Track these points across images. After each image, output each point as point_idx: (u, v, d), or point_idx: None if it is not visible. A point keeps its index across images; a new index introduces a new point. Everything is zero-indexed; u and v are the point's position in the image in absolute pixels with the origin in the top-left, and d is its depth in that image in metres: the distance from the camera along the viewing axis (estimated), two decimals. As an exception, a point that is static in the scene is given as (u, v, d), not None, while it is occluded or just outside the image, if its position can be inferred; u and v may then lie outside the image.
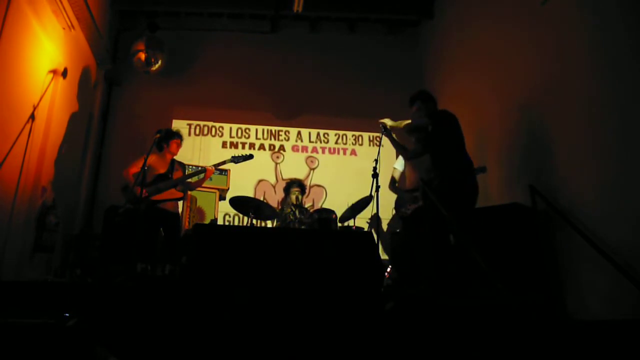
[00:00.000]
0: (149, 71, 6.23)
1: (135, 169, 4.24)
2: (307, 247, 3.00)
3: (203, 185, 4.80)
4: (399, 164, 4.58)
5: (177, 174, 4.45)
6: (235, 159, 4.58)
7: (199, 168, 4.84)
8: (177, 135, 4.56)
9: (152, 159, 4.26)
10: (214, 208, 5.68)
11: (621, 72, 3.11)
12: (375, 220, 4.90)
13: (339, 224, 4.74)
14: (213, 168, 4.49)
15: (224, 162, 4.50)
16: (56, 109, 4.70)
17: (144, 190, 4.01)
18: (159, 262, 4.17)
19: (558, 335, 2.18)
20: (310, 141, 6.75)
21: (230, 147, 6.54)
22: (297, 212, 4.81)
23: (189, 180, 4.53)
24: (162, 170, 4.40)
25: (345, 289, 2.69)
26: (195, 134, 6.56)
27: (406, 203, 4.28)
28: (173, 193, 4.35)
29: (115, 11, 6.34)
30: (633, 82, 2.99)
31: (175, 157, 4.58)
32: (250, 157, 4.67)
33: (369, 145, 6.74)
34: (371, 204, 4.21)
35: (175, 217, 4.46)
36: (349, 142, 6.79)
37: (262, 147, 6.64)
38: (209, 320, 2.31)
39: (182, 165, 4.63)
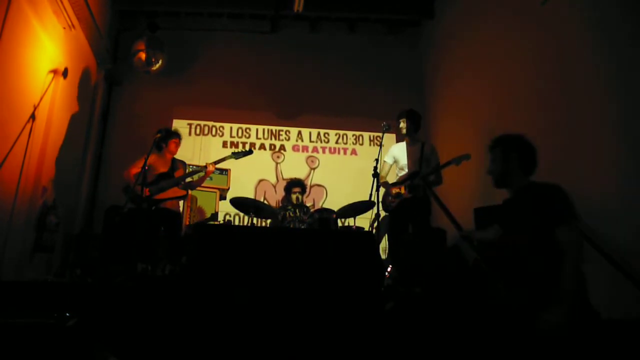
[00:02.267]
0: (149, 71, 6.23)
1: (136, 169, 4.25)
2: (307, 247, 3.00)
3: (204, 185, 4.80)
4: (389, 157, 4.56)
5: (178, 173, 4.46)
6: (236, 155, 4.56)
7: (200, 167, 4.85)
8: (175, 135, 4.56)
9: (153, 158, 4.27)
10: (215, 208, 5.68)
11: (622, 72, 3.11)
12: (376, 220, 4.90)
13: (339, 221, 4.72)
14: (214, 166, 4.49)
15: (224, 159, 4.49)
16: (56, 109, 4.70)
17: (146, 190, 4.01)
18: (159, 262, 4.17)
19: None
20: (310, 141, 6.75)
21: (231, 147, 6.54)
22: (297, 212, 4.80)
23: (190, 178, 4.53)
24: (164, 170, 4.41)
25: (345, 289, 2.69)
26: (195, 133, 6.56)
27: (389, 195, 4.23)
28: (176, 191, 4.35)
29: (115, 11, 6.34)
30: (634, 82, 2.99)
31: (175, 156, 4.58)
32: (250, 152, 4.68)
33: (370, 145, 6.74)
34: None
35: (177, 216, 4.46)
36: (350, 141, 6.78)
37: (262, 146, 6.64)
38: (209, 320, 2.31)
39: (184, 164, 4.64)
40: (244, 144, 6.59)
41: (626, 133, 3.05)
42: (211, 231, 3.62)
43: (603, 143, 3.26)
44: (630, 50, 3.03)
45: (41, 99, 4.30)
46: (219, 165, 4.54)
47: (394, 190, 4.24)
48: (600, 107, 3.30)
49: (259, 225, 5.72)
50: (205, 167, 4.46)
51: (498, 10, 4.81)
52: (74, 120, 5.19)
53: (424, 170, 4.18)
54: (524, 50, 4.30)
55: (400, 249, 4.22)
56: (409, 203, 4.15)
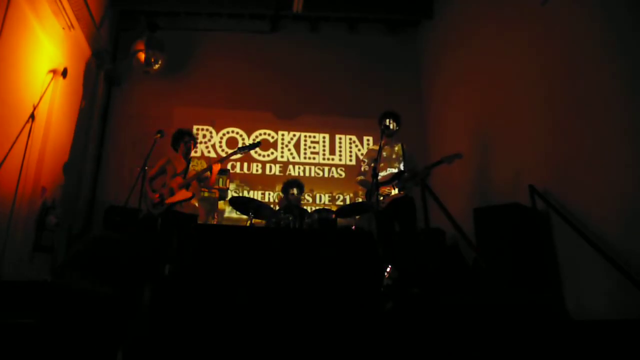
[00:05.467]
0: (149, 71, 6.23)
1: (152, 173, 4.36)
2: (307, 247, 3.01)
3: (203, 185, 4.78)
4: (368, 157, 4.39)
5: (190, 174, 4.39)
6: (241, 150, 4.47)
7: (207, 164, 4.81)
8: (186, 137, 4.51)
9: (174, 158, 4.40)
10: (213, 208, 5.68)
11: (623, 72, 3.11)
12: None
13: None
14: (218, 165, 4.45)
15: (231, 154, 4.44)
16: (56, 109, 4.70)
17: (155, 195, 4.16)
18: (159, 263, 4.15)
19: (558, 335, 2.18)
20: (310, 141, 6.75)
21: (230, 147, 6.54)
22: (296, 212, 4.79)
23: (206, 174, 4.47)
24: (179, 171, 4.40)
25: (345, 289, 2.69)
26: (195, 133, 6.55)
27: (375, 195, 4.07)
28: (184, 194, 4.30)
29: (115, 11, 6.33)
30: (636, 81, 2.98)
31: (192, 156, 4.55)
32: (258, 144, 4.56)
33: (369, 145, 6.74)
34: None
35: (191, 218, 4.36)
36: (349, 142, 6.78)
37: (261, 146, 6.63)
38: (208, 320, 2.31)
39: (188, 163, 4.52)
40: (243, 143, 6.60)
41: (626, 132, 3.04)
42: (211, 231, 3.61)
43: (603, 142, 3.26)
44: (635, 49, 3.02)
45: (40, 99, 4.30)
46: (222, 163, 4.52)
47: (386, 190, 4.16)
48: (601, 106, 3.30)
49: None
50: (211, 166, 4.42)
51: (497, 10, 4.82)
52: (73, 120, 5.19)
53: (415, 170, 4.15)
54: (524, 50, 4.30)
55: (395, 249, 4.18)
56: (399, 202, 4.10)
